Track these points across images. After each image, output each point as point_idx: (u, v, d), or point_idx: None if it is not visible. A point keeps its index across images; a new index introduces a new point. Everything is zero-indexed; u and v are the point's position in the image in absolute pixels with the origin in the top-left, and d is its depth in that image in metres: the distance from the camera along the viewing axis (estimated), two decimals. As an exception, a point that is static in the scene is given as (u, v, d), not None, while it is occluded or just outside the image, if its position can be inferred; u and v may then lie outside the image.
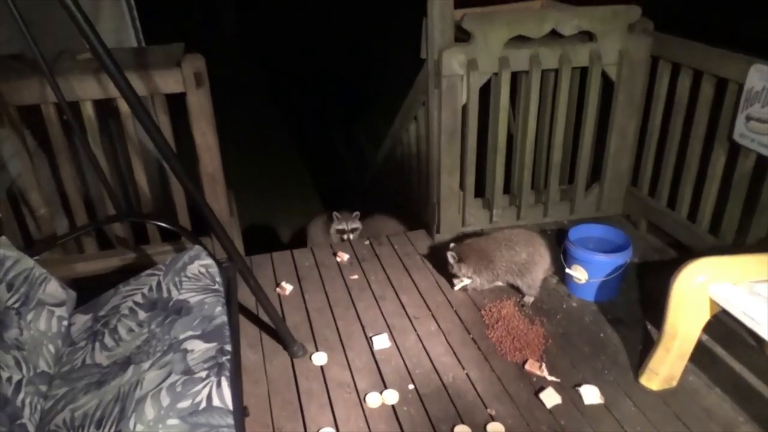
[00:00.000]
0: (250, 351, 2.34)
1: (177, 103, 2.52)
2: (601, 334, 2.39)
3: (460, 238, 2.75)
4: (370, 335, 2.42)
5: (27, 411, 1.34)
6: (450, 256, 2.56)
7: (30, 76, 2.32)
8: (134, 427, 1.25)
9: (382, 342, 2.37)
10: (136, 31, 4.44)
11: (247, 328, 2.46)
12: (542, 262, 2.56)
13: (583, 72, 2.91)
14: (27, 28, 1.93)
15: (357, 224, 3.29)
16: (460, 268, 2.57)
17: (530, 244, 2.56)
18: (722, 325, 2.20)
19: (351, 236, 3.26)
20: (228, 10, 12.32)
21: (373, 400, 2.09)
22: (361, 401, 2.10)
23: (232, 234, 2.69)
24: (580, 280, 2.54)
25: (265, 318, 2.45)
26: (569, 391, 2.10)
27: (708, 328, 2.01)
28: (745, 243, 2.45)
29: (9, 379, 1.35)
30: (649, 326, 2.40)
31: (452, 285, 2.67)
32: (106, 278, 2.71)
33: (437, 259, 2.81)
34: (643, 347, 2.28)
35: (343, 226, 3.25)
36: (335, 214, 3.29)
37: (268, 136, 7.82)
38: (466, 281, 2.60)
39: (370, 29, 10.68)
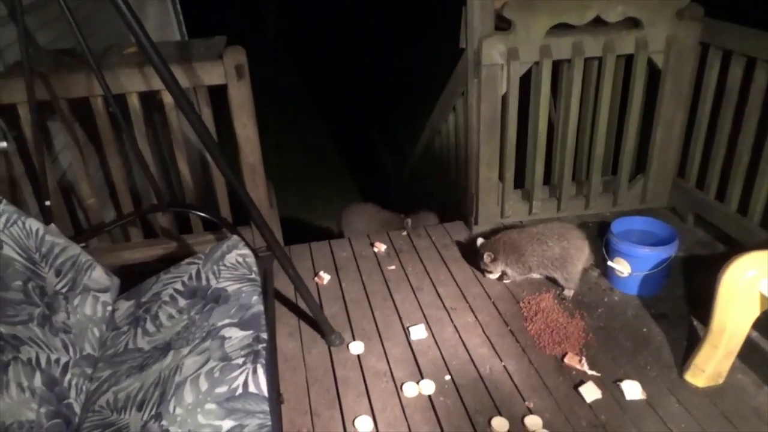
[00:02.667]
0: (289, 339, 2.37)
1: (218, 98, 2.57)
2: (644, 329, 2.33)
3: (493, 232, 2.73)
4: (407, 326, 2.42)
5: (73, 392, 1.40)
6: (487, 256, 2.55)
7: (80, 71, 2.39)
8: (174, 410, 1.29)
9: (419, 332, 2.37)
10: (179, 25, 4.55)
11: (286, 317, 2.50)
12: (579, 255, 2.50)
13: (628, 60, 2.83)
14: (77, 25, 1.99)
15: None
16: (495, 266, 2.57)
17: (564, 237, 2.51)
18: (773, 322, 2.11)
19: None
20: (269, 12, 12.54)
21: (410, 389, 2.09)
22: (398, 391, 2.10)
23: (271, 224, 2.72)
24: (622, 273, 2.48)
25: (303, 307, 2.48)
26: (610, 386, 2.06)
27: (758, 325, 1.94)
28: (799, 237, 2.35)
29: (57, 360, 1.41)
30: (695, 322, 2.32)
31: (483, 274, 2.68)
32: (149, 266, 2.80)
33: (475, 250, 2.79)
34: (688, 343, 2.21)
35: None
36: (407, 220, 3.20)
37: (307, 133, 7.91)
38: (495, 276, 2.64)
39: (408, 21, 10.66)
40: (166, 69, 1.52)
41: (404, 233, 3.14)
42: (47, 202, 2.33)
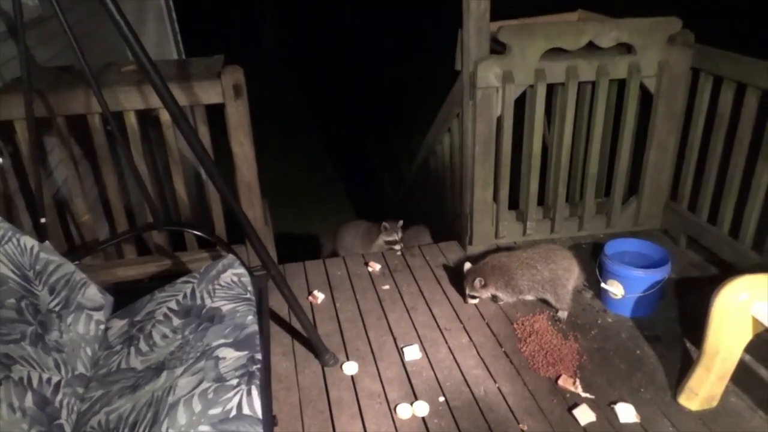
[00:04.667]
0: (282, 359, 2.36)
1: (215, 115, 2.58)
2: (638, 351, 2.33)
3: (483, 255, 2.73)
4: (401, 346, 2.41)
5: (65, 412, 1.38)
6: (477, 282, 2.54)
7: (77, 87, 2.40)
8: (167, 431, 1.28)
9: (413, 353, 2.37)
10: (177, 44, 4.58)
11: (279, 336, 2.48)
12: (568, 275, 2.51)
13: (621, 84, 2.87)
14: (77, 42, 2.01)
15: (401, 233, 3.29)
16: (485, 292, 2.57)
17: (551, 260, 2.51)
18: (766, 346, 2.12)
19: (400, 245, 3.25)
20: (267, 27, 12.65)
21: (404, 411, 2.08)
22: (392, 412, 2.09)
23: (266, 242, 2.72)
24: (616, 295, 2.49)
25: (297, 326, 2.47)
26: (604, 408, 2.06)
27: (751, 348, 1.94)
28: (791, 261, 2.37)
29: (48, 380, 1.40)
30: (688, 344, 2.33)
31: (465, 300, 2.67)
32: (143, 283, 2.79)
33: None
34: (681, 366, 2.22)
35: (393, 237, 3.24)
36: (384, 225, 3.27)
37: (305, 149, 7.94)
38: (474, 302, 2.65)
39: (406, 42, 10.78)
40: (165, 87, 1.53)
41: (399, 253, 3.15)
42: (43, 220, 2.32)
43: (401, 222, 3.30)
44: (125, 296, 1.91)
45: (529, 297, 2.62)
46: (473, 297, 2.62)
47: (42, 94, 2.36)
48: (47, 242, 1.67)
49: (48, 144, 2.87)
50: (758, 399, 2.05)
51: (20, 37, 2.07)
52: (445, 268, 2.98)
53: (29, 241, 1.60)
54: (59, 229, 2.67)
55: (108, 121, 2.26)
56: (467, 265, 2.64)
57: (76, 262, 1.81)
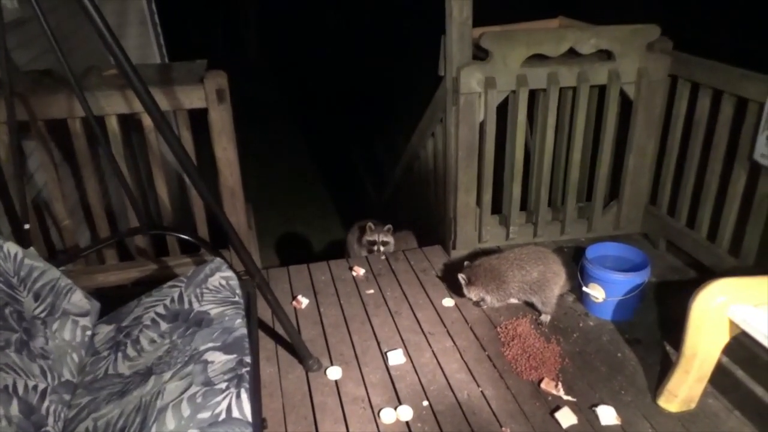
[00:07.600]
0: (266, 364, 2.35)
1: (198, 119, 2.57)
2: (619, 354, 2.37)
3: (474, 256, 2.76)
4: (385, 350, 2.42)
5: (51, 419, 1.37)
6: (461, 278, 2.58)
7: (58, 91, 2.38)
8: (155, 437, 1.27)
9: (397, 357, 2.38)
10: (159, 47, 4.55)
11: (263, 341, 2.47)
12: (555, 279, 2.55)
13: (602, 90, 2.92)
14: (58, 45, 1.99)
15: (389, 238, 3.22)
16: (470, 291, 2.60)
17: (541, 261, 2.55)
18: (743, 347, 2.16)
19: (381, 248, 3.19)
20: (250, 32, 12.61)
21: (388, 416, 2.09)
22: (376, 417, 2.10)
23: (249, 247, 2.72)
24: (597, 298, 2.53)
25: (281, 331, 2.47)
26: (585, 411, 2.08)
27: (728, 350, 1.98)
28: (766, 264, 2.42)
29: (35, 387, 1.38)
30: (668, 347, 2.37)
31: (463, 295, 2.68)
32: (125, 289, 2.76)
33: (453, 275, 2.81)
34: (661, 368, 2.26)
35: (374, 237, 3.20)
36: (369, 224, 3.22)
37: (289, 153, 7.92)
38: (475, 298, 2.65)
39: (389, 47, 10.82)
40: (147, 92, 1.53)
41: (382, 257, 3.15)
42: (26, 226, 2.28)
43: (389, 226, 3.24)
44: (111, 301, 1.89)
45: (514, 300, 2.65)
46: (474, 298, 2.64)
47: (22, 98, 2.33)
48: (32, 248, 1.65)
49: (27, 147, 2.83)
50: (735, 400, 2.09)
51: (0, 40, 2.04)
52: (429, 272, 2.99)
53: (13, 248, 1.58)
54: (39, 233, 2.63)
55: (92, 126, 2.23)
56: (466, 263, 2.66)
57: (59, 269, 1.78)
